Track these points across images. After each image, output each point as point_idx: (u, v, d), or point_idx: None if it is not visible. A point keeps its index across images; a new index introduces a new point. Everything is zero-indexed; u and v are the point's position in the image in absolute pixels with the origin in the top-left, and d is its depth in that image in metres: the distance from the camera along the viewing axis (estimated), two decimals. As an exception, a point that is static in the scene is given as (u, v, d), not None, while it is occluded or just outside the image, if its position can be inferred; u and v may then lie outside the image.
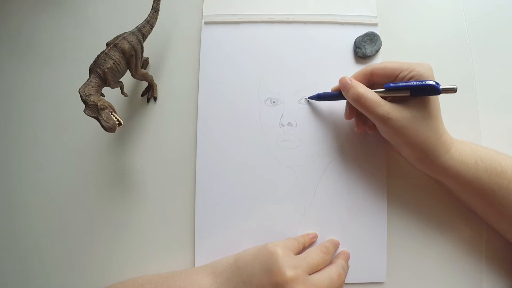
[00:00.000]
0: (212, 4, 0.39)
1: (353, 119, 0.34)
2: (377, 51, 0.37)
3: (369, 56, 0.37)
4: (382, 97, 0.30)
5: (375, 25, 0.38)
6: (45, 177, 0.37)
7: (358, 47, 0.37)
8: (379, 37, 0.37)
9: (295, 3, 0.39)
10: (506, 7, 0.39)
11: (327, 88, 0.35)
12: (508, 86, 0.38)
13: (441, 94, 0.29)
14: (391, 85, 0.30)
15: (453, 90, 0.29)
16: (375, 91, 0.31)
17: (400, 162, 0.35)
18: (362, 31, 0.37)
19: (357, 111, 0.32)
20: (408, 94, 0.29)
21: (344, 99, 0.33)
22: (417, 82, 0.29)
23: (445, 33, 0.39)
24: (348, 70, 0.37)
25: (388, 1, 0.39)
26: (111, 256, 0.35)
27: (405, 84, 0.29)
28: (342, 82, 0.32)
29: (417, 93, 0.29)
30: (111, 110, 0.29)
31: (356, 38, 0.37)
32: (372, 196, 0.35)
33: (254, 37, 0.38)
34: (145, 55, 0.35)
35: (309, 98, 0.36)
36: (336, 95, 0.34)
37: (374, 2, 0.39)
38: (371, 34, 0.37)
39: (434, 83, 0.28)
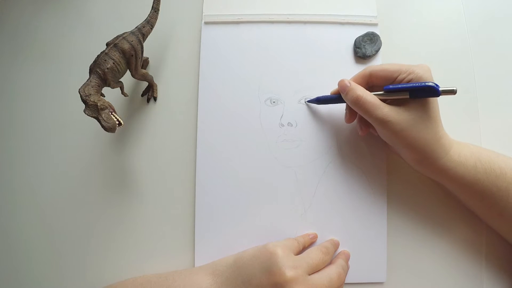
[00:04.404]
0: (212, 4, 0.39)
1: (356, 124, 0.34)
2: (377, 51, 0.37)
3: (369, 56, 0.37)
4: (382, 100, 0.30)
5: (375, 25, 0.38)
6: (45, 177, 0.37)
7: (358, 47, 0.37)
8: (379, 37, 0.37)
9: (295, 3, 0.39)
10: (506, 6, 0.39)
11: (328, 88, 0.35)
12: (508, 86, 0.38)
13: (440, 96, 0.29)
14: (390, 87, 0.30)
15: (452, 92, 0.29)
16: (375, 94, 0.31)
17: (400, 163, 0.35)
18: (362, 31, 0.37)
19: (358, 115, 0.32)
20: (408, 96, 0.29)
21: (343, 102, 0.33)
22: (417, 84, 0.29)
23: (445, 33, 0.38)
24: (348, 70, 0.37)
25: (388, 1, 0.39)
26: (111, 256, 0.35)
27: (404, 86, 0.29)
28: (341, 84, 0.32)
29: (417, 94, 0.29)
30: (111, 110, 0.29)
31: (356, 38, 0.37)
32: (372, 196, 0.35)
33: (254, 37, 0.38)
34: (145, 55, 0.35)
35: (308, 101, 0.36)
36: (335, 98, 0.33)
37: (374, 2, 0.39)
38: (371, 34, 0.37)
39: (433, 84, 0.28)
